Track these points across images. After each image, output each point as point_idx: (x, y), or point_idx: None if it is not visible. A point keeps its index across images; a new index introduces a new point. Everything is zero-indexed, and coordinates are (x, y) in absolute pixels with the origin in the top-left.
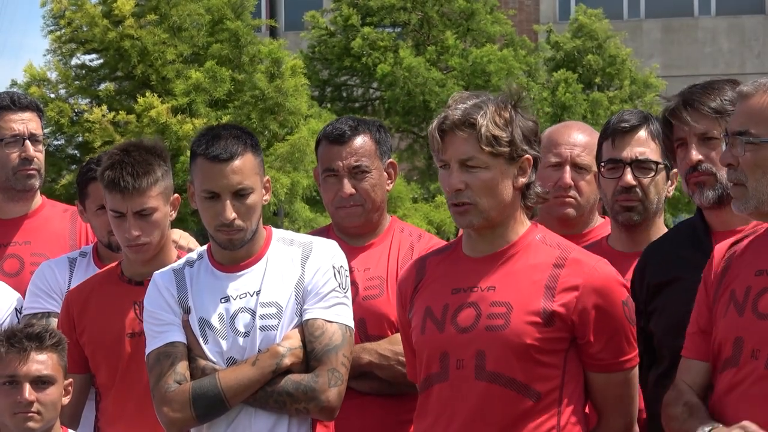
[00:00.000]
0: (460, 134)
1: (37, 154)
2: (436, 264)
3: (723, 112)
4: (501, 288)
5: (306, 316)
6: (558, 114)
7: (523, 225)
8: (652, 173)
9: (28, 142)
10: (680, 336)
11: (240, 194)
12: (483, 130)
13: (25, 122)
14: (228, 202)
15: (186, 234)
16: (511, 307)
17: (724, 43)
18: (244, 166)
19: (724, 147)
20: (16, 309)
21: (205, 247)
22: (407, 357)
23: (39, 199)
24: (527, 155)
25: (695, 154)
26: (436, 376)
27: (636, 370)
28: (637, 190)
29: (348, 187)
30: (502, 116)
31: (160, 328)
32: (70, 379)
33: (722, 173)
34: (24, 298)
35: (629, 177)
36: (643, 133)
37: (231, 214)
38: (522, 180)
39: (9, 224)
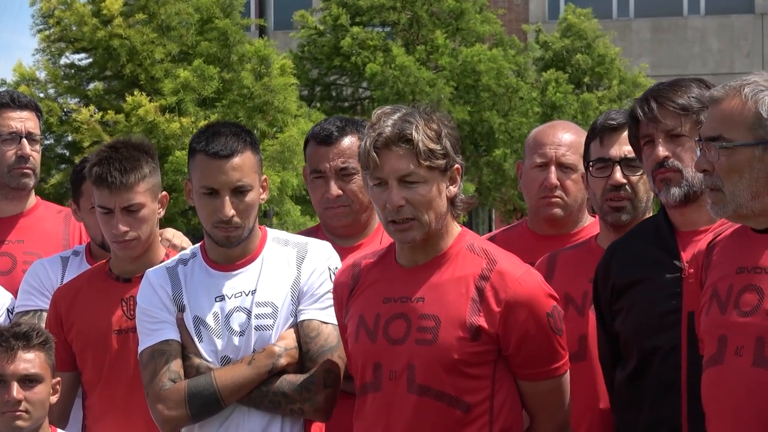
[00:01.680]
0: (397, 150)
1: (33, 153)
2: (369, 269)
3: (689, 110)
4: (429, 300)
5: (301, 317)
6: (548, 114)
7: (452, 234)
8: (641, 171)
9: (24, 141)
10: (649, 336)
11: (239, 191)
12: (420, 145)
13: (24, 121)
14: (227, 198)
15: (179, 233)
16: (439, 320)
17: (713, 43)
18: (243, 163)
19: (698, 152)
20: (8, 310)
21: (198, 245)
22: (347, 358)
23: (33, 198)
24: (457, 165)
25: (662, 150)
26: (371, 385)
27: (566, 376)
28: (627, 188)
29: (334, 189)
30: (432, 128)
31: (154, 325)
32: (58, 378)
33: (689, 170)
34: (16, 298)
35: (618, 175)
36: None
37: (230, 210)
38: (453, 189)
39: (2, 222)
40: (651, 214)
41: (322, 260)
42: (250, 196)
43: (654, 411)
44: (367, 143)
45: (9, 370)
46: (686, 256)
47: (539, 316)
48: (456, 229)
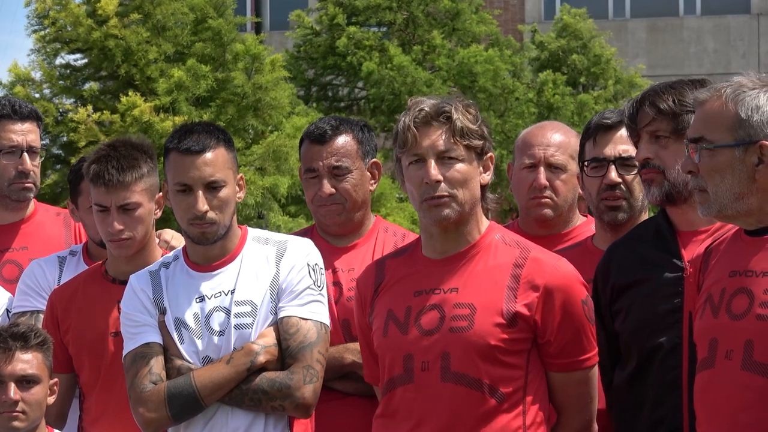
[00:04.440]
0: (436, 126)
1: (34, 167)
2: (396, 266)
3: (669, 113)
4: (464, 289)
5: (281, 314)
6: (544, 115)
7: (483, 224)
8: (636, 170)
9: (25, 155)
10: (649, 336)
11: (212, 187)
12: (458, 123)
13: (25, 133)
14: (200, 193)
15: (178, 235)
16: (475, 308)
17: (709, 43)
18: (216, 159)
19: (687, 154)
20: (7, 310)
21: (180, 248)
22: (366, 359)
23: (32, 204)
24: (491, 153)
25: (642, 151)
26: (400, 378)
27: (595, 368)
28: (622, 186)
29: (327, 187)
30: (470, 112)
31: (136, 329)
32: (56, 379)
33: (672, 171)
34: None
35: (613, 174)
36: (624, 131)
37: (203, 205)
38: (486, 178)
39: (4, 230)
40: (647, 213)
41: (301, 257)
42: (224, 192)
43: (655, 410)
44: (406, 120)
45: (6, 371)
46: (687, 255)
47: (575, 302)
48: (485, 222)
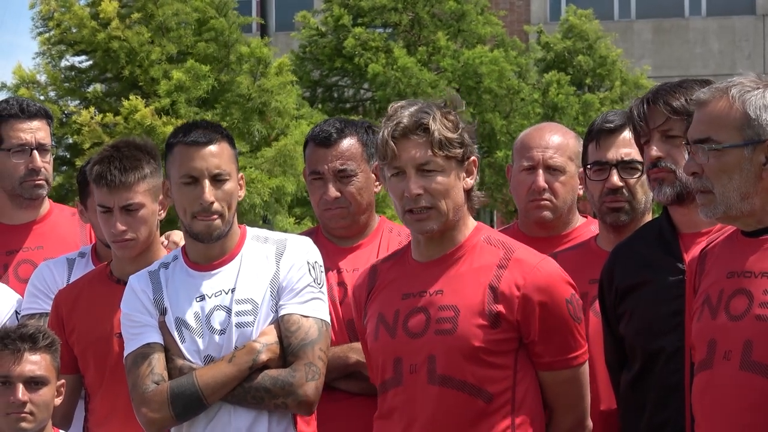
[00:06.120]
0: (415, 139)
1: (45, 164)
2: (387, 270)
3: (682, 112)
4: (448, 291)
5: (282, 312)
6: (549, 115)
7: (468, 227)
8: (638, 173)
9: (35, 153)
10: (652, 339)
11: (218, 179)
12: (436, 134)
13: (34, 131)
14: (207, 183)
15: None
16: (458, 310)
17: (714, 44)
18: (221, 151)
19: (686, 156)
20: (16, 311)
21: (179, 248)
22: (367, 362)
23: (47, 203)
24: (473, 157)
25: (655, 151)
26: (391, 381)
27: (585, 366)
28: (624, 191)
29: (333, 191)
30: (450, 119)
31: (136, 330)
32: (63, 380)
33: (682, 171)
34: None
35: (615, 178)
36: (627, 134)
37: (210, 196)
38: (470, 181)
39: (19, 230)
40: (650, 215)
41: (301, 254)
42: (228, 185)
43: (658, 413)
44: (385, 133)
45: (15, 372)
46: (689, 257)
47: (558, 302)
48: (472, 222)
